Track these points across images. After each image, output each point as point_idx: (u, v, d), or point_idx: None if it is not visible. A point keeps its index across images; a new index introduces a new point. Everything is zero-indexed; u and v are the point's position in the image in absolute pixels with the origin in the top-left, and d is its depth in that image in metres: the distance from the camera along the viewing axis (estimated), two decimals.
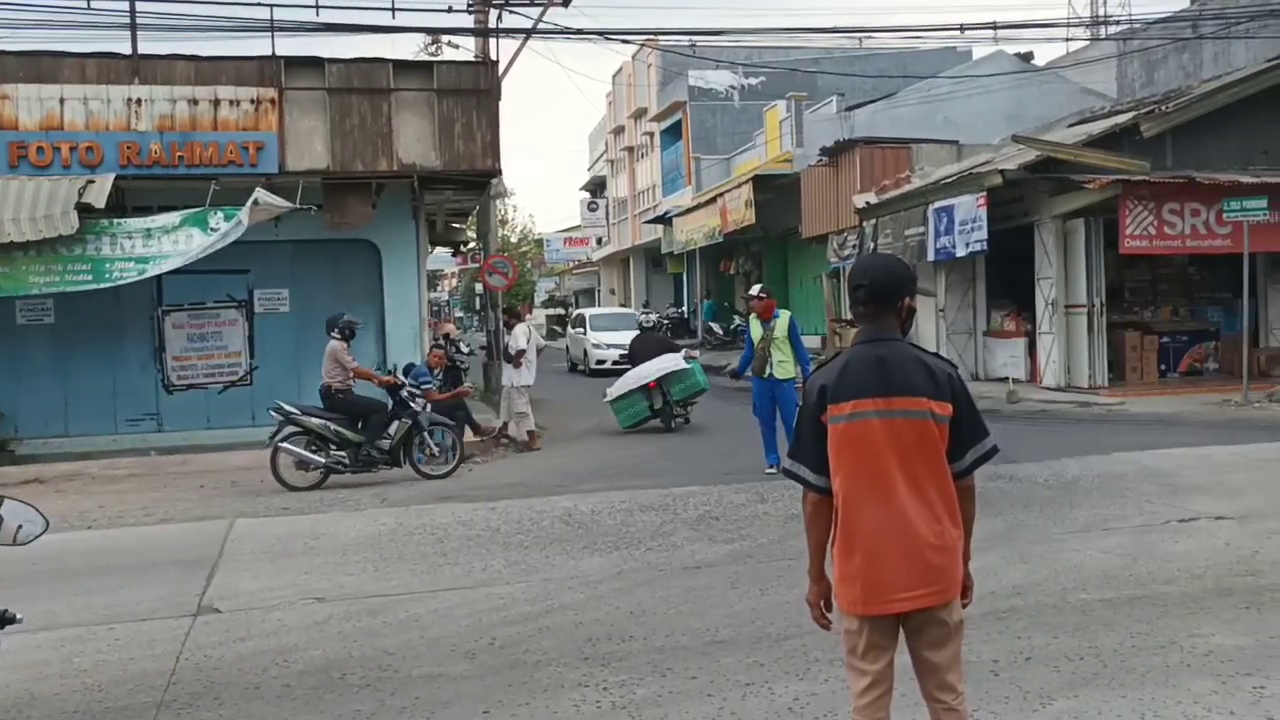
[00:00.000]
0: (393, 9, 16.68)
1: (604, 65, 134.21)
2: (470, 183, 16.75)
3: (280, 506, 10.86)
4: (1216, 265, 18.94)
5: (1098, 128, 19.51)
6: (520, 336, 15.35)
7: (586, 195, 63.28)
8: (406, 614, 6.62)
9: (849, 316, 26.93)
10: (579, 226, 62.33)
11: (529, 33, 19.09)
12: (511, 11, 18.97)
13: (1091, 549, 7.51)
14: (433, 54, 19.93)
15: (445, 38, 20.47)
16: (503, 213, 58.37)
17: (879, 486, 3.34)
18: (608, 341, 27.99)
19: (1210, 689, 4.86)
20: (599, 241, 57.53)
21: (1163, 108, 18.66)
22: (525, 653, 5.78)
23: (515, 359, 15.14)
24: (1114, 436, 12.98)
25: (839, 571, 3.43)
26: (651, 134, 49.19)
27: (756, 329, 11.76)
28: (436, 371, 15.19)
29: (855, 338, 3.51)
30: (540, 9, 18.94)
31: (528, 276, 63.57)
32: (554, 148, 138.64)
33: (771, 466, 11.47)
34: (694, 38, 25.51)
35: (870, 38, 24.98)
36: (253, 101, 14.65)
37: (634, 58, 46.88)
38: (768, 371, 11.57)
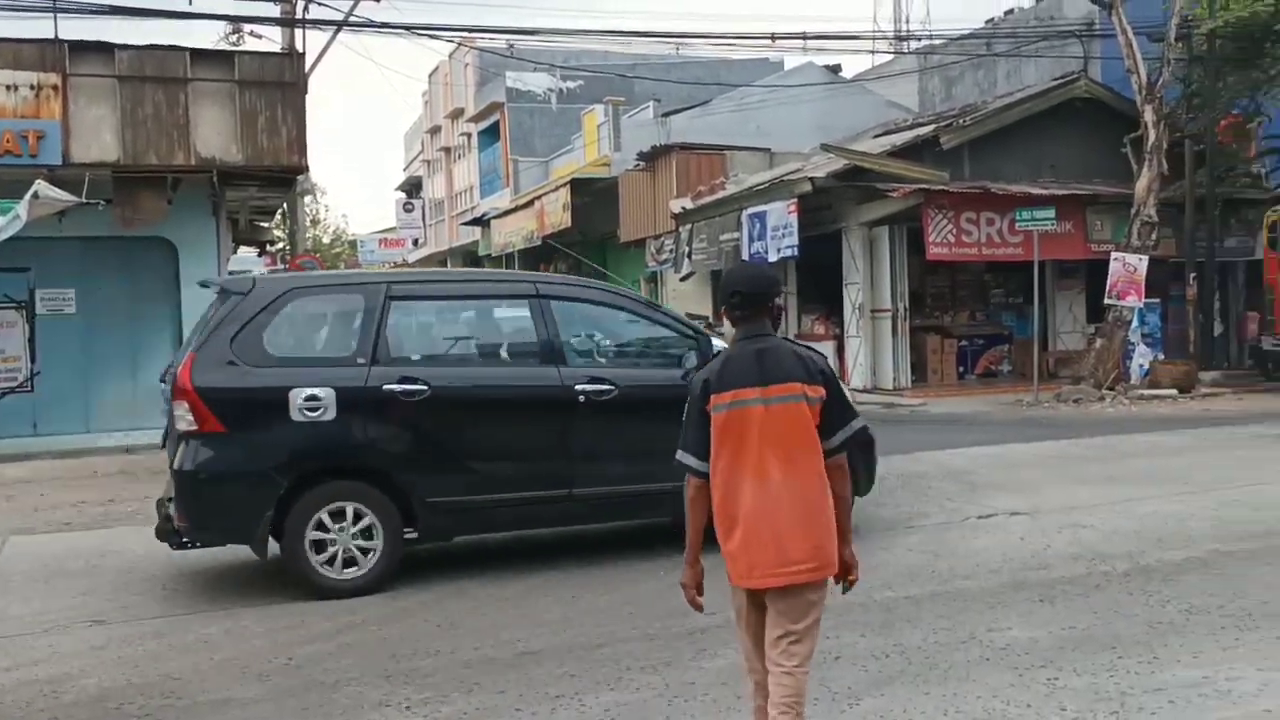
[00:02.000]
0: None
1: (421, 64, 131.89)
2: (275, 179, 16.01)
3: (61, 522, 10.09)
4: (1010, 272, 19.96)
5: (901, 139, 20.28)
6: None
7: (402, 195, 61.94)
8: (195, 635, 6.20)
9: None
10: (394, 228, 60.95)
11: (339, 25, 18.46)
12: (320, 4, 18.33)
13: (896, 547, 7.69)
14: (234, 44, 19.04)
15: (248, 27, 19.58)
16: (315, 212, 56.65)
17: (756, 469, 3.62)
18: None
19: (1008, 682, 4.98)
20: (415, 243, 56.35)
21: (960, 121, 19.55)
22: (323, 672, 5.47)
23: None
24: (917, 436, 13.44)
25: (723, 550, 3.72)
26: (469, 135, 48.60)
27: None
28: None
29: (734, 337, 3.83)
30: (352, 1, 18.37)
31: None
32: (368, 147, 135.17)
33: None
34: (511, 38, 25.28)
35: (686, 44, 25.28)
36: (32, 87, 13.62)
37: (451, 57, 46.20)
38: None
